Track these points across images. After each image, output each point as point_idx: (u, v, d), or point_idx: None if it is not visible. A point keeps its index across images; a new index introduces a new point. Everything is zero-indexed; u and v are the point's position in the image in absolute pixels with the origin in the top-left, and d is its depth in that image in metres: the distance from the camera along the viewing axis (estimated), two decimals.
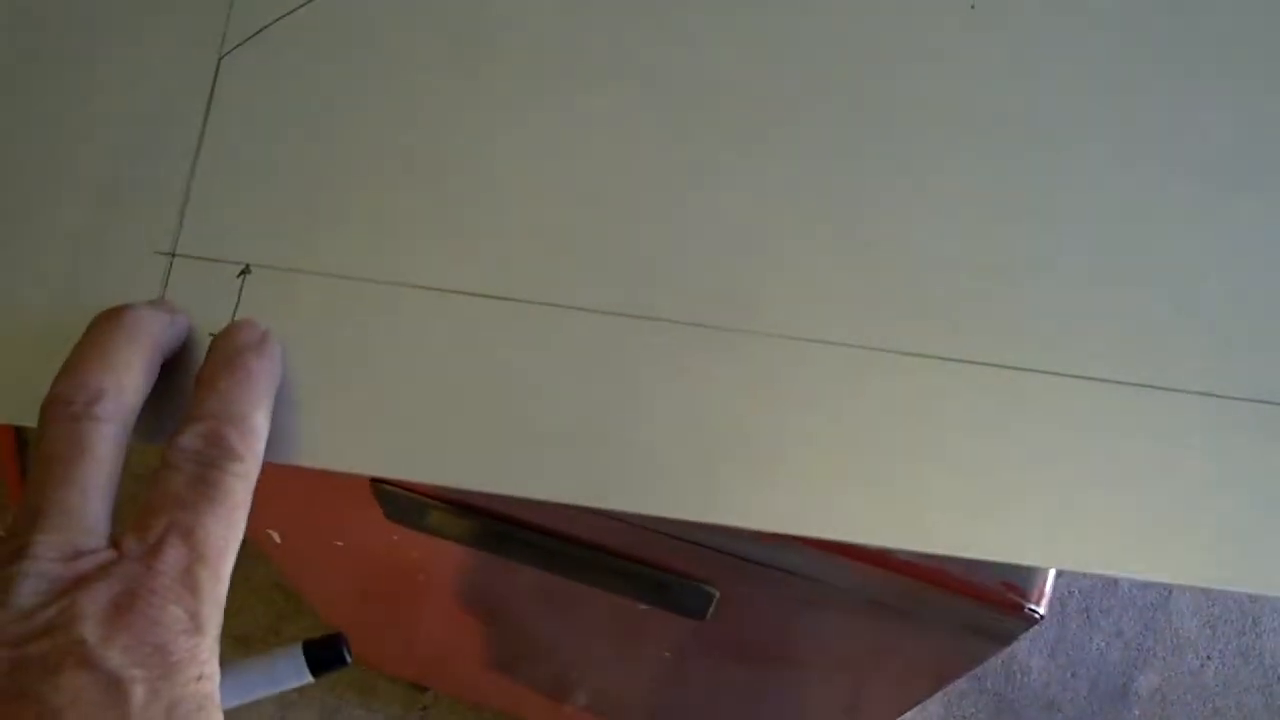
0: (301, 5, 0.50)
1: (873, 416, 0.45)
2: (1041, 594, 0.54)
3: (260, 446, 0.43)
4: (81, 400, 0.41)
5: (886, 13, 0.48)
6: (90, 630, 0.37)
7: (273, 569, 1.59)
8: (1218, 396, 0.45)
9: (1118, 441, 0.45)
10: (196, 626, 0.39)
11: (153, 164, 0.48)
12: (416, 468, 0.46)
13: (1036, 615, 0.53)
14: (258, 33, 0.49)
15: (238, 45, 0.49)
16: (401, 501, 0.66)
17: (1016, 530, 0.44)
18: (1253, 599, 1.81)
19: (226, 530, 0.41)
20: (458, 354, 0.46)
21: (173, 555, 0.39)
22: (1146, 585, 1.81)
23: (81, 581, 0.38)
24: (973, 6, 0.48)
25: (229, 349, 0.44)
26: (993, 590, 0.53)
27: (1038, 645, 1.76)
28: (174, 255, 0.47)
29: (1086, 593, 1.79)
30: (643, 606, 0.66)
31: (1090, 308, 0.46)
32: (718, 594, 0.63)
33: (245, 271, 0.47)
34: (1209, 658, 1.77)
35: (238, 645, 1.70)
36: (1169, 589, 1.81)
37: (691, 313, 0.46)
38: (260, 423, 0.43)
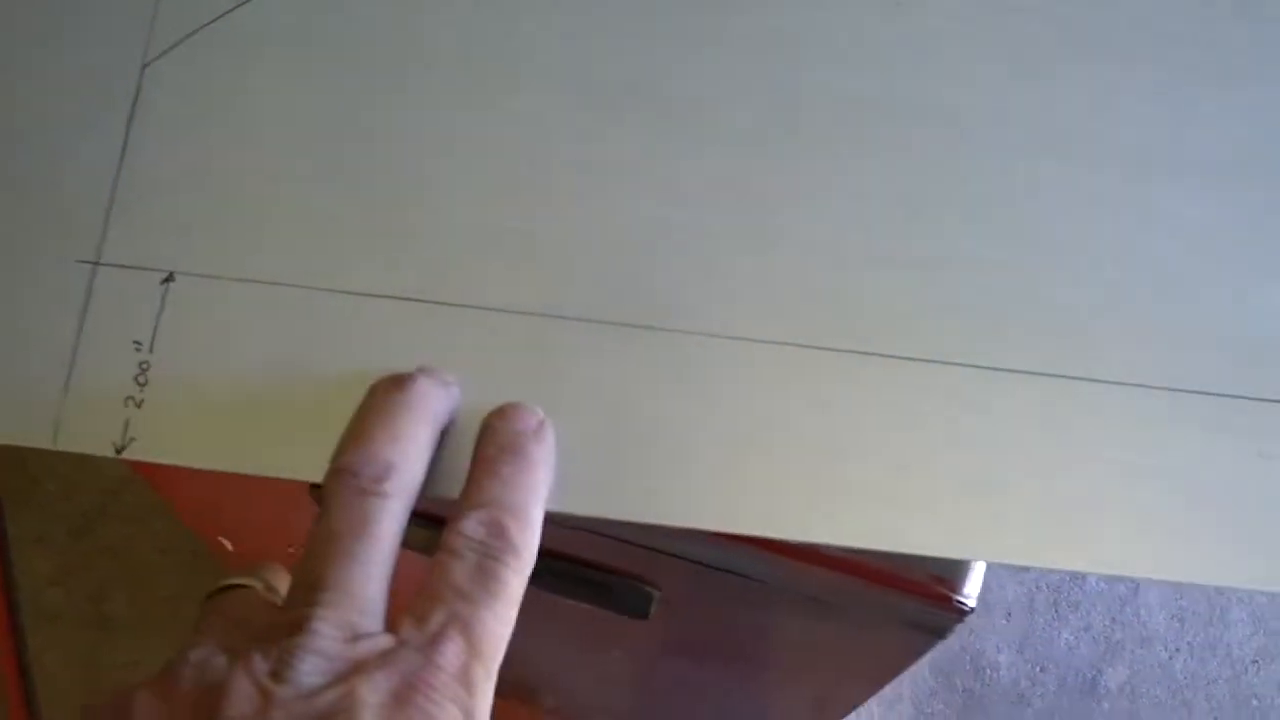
0: (225, 13, 0.50)
1: (792, 412, 0.45)
2: (971, 586, 0.54)
3: (536, 542, 0.42)
4: (369, 475, 0.41)
5: (805, 8, 0.49)
6: None
7: None
8: (1136, 385, 0.46)
9: (1035, 432, 0.45)
10: None
11: (76, 172, 0.48)
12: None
13: (966, 607, 0.54)
14: (181, 41, 0.50)
15: (162, 53, 0.49)
16: None
17: (936, 523, 0.44)
18: (1219, 591, 1.82)
19: (502, 628, 0.40)
20: (381, 358, 0.46)
21: (452, 650, 0.38)
22: (1114, 579, 1.82)
23: (361, 667, 0.37)
24: (898, 3, 0.49)
25: (508, 434, 0.44)
26: (922, 583, 0.54)
27: (1006, 641, 1.76)
28: (97, 264, 0.47)
29: (1054, 587, 1.79)
30: (584, 606, 0.66)
31: (1008, 299, 0.46)
32: (658, 593, 0.63)
33: (169, 279, 0.47)
34: (1177, 650, 1.78)
35: None
36: (1136, 582, 1.82)
37: (606, 311, 0.46)
38: (538, 517, 0.42)
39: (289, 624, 0.38)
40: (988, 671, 1.75)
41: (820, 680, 0.80)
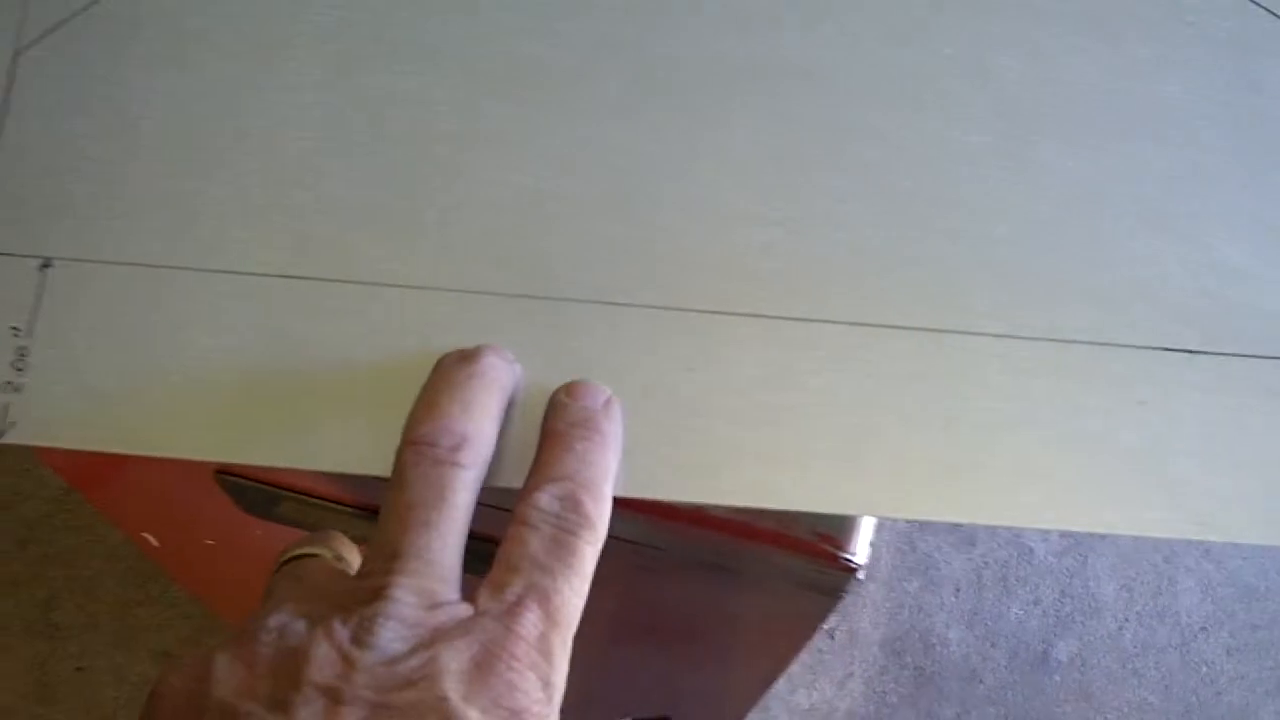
0: (97, 1, 0.50)
1: (666, 375, 0.46)
2: (857, 544, 0.54)
3: (608, 516, 0.42)
4: (446, 445, 0.41)
5: None
6: (453, 687, 0.37)
7: None
8: (1014, 337, 0.46)
9: (911, 386, 0.46)
10: (548, 696, 0.39)
11: None
12: (232, 450, 0.46)
13: (854, 565, 0.54)
14: (55, 28, 0.50)
15: (34, 41, 0.49)
16: (249, 492, 0.66)
17: (812, 479, 0.45)
18: (1166, 559, 1.83)
19: (576, 599, 0.40)
20: (262, 335, 0.46)
21: (530, 619, 0.39)
22: (1063, 552, 1.83)
23: (442, 634, 0.38)
24: None
25: (580, 409, 0.44)
26: (808, 542, 0.54)
27: (955, 617, 1.77)
28: None
29: (1002, 563, 1.80)
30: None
31: (880, 255, 0.47)
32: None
33: (47, 265, 0.47)
34: (1126, 620, 1.79)
35: (161, 660, 1.69)
36: (1084, 554, 1.83)
37: (480, 280, 0.47)
38: (609, 491, 0.43)
39: (369, 591, 0.39)
40: (938, 648, 1.75)
41: (731, 647, 0.80)
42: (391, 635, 0.37)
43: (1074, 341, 0.46)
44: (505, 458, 0.44)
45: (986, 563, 1.80)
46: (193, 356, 0.46)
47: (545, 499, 0.41)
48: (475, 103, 0.48)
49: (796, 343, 0.46)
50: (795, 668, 1.72)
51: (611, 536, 0.49)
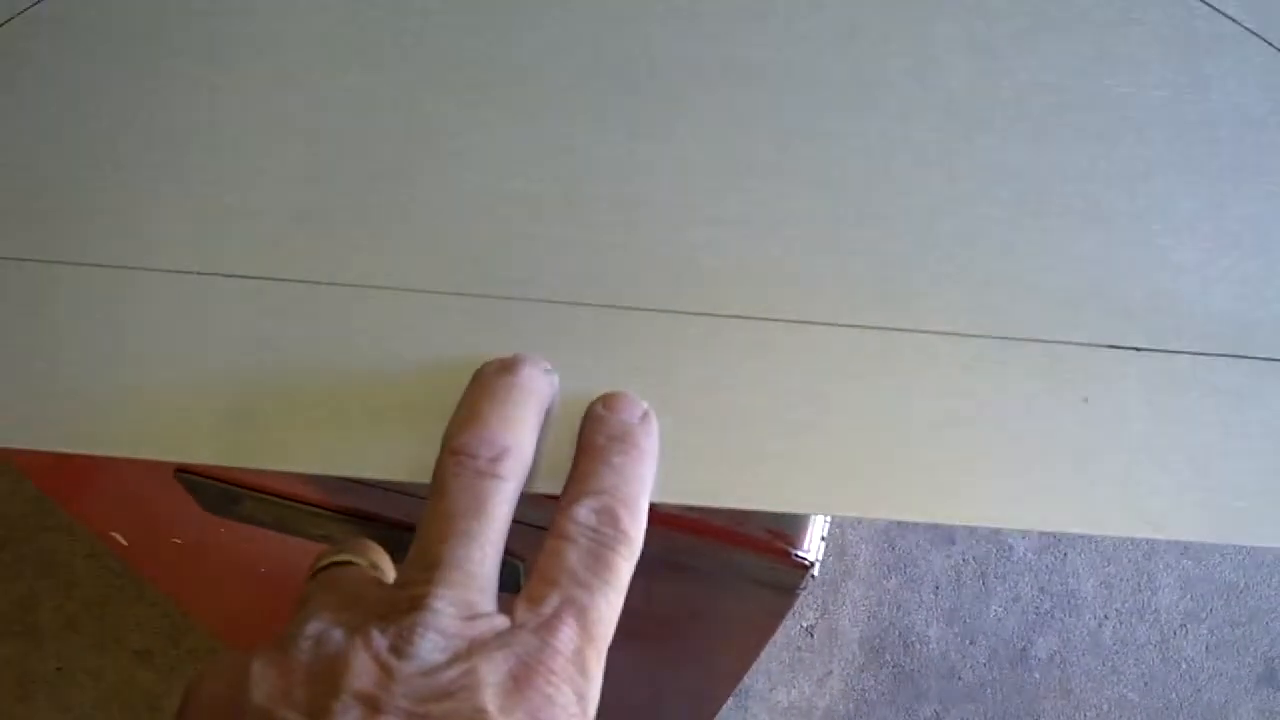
0: (34, 4, 0.50)
1: (622, 375, 0.46)
2: (809, 541, 0.54)
3: (644, 530, 0.42)
4: (486, 456, 0.41)
5: None
6: (491, 699, 0.36)
7: None
8: (960, 335, 0.46)
9: (858, 382, 0.46)
10: (583, 710, 0.38)
11: None
12: (181, 450, 0.46)
13: (806, 561, 0.54)
14: (2, 25, 0.49)
15: None
16: (209, 491, 0.66)
17: (760, 477, 0.45)
18: (1146, 556, 1.84)
19: (612, 613, 0.40)
20: (219, 335, 0.46)
21: (567, 633, 0.39)
22: (1042, 549, 1.83)
23: (480, 646, 0.38)
24: None
25: (617, 423, 0.44)
26: (760, 539, 0.54)
27: (935, 615, 1.77)
28: None
29: (982, 559, 1.81)
30: None
31: (828, 253, 0.47)
32: (522, 564, 0.64)
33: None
34: (1106, 618, 1.80)
35: (139, 660, 1.69)
36: (1064, 551, 1.83)
37: (435, 281, 0.47)
38: (646, 506, 0.43)
39: (407, 601, 0.39)
40: (917, 645, 1.76)
41: (695, 646, 0.80)
42: (430, 645, 0.37)
43: (1020, 339, 0.46)
44: (535, 464, 0.44)
45: (966, 560, 1.80)
46: (151, 357, 0.46)
47: (583, 513, 0.41)
48: (423, 104, 0.48)
49: (744, 342, 0.46)
50: (774, 666, 1.73)
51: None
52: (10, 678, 1.69)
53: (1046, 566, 1.82)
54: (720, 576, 0.59)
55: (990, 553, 1.81)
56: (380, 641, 0.38)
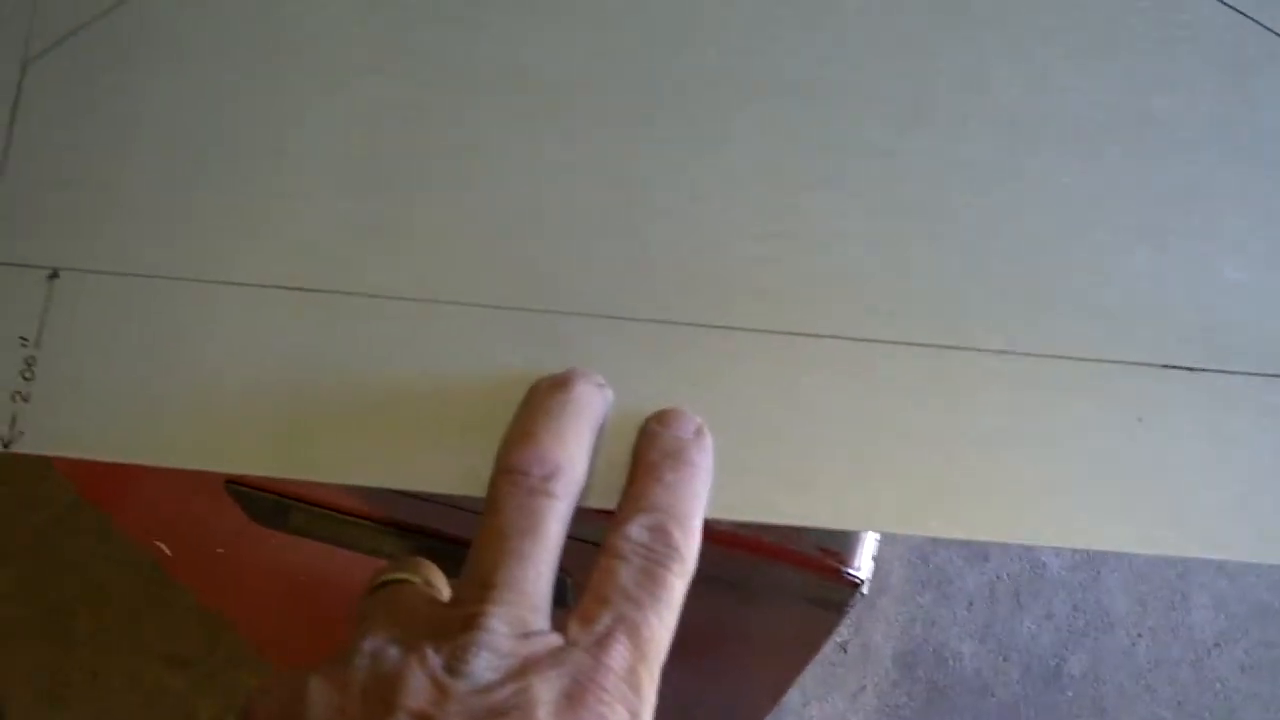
0: (105, 13, 0.50)
1: (670, 390, 0.46)
2: (860, 559, 0.55)
3: (698, 547, 0.43)
4: (538, 474, 0.42)
5: None
6: (544, 718, 0.37)
7: None
8: (1013, 353, 0.46)
9: (911, 401, 0.46)
10: None
11: None
12: (238, 461, 0.47)
13: (857, 579, 0.54)
14: (62, 40, 0.50)
15: (42, 52, 0.50)
16: (259, 502, 0.66)
17: (815, 494, 0.45)
18: (1180, 575, 1.83)
19: (665, 632, 0.41)
20: (265, 346, 0.47)
21: (620, 651, 0.39)
22: (1075, 566, 1.83)
23: (533, 664, 0.38)
24: None
25: (670, 439, 0.44)
26: (811, 557, 0.54)
27: (968, 631, 1.77)
28: None
29: (1015, 577, 1.80)
30: None
31: (884, 270, 0.47)
32: (570, 579, 0.64)
33: (54, 275, 0.48)
34: (1139, 635, 1.79)
35: (173, 667, 1.70)
36: (1097, 569, 1.83)
37: (487, 294, 0.47)
38: (699, 523, 0.43)
39: (462, 619, 0.39)
40: (950, 662, 1.75)
41: (740, 662, 0.80)
42: (484, 664, 0.38)
43: (1073, 358, 0.46)
44: (589, 479, 0.44)
45: (999, 577, 1.80)
46: (197, 366, 0.47)
47: (635, 530, 0.42)
48: (476, 115, 0.49)
49: (798, 358, 0.46)
50: (808, 681, 1.72)
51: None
52: (45, 684, 1.69)
53: (1080, 584, 1.81)
54: (768, 593, 0.59)
55: (1024, 570, 1.81)
56: (435, 660, 0.38)
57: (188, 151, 0.49)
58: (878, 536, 0.56)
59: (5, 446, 0.47)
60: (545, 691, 0.37)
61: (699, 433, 0.44)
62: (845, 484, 0.45)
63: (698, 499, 0.43)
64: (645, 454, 0.44)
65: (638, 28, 0.49)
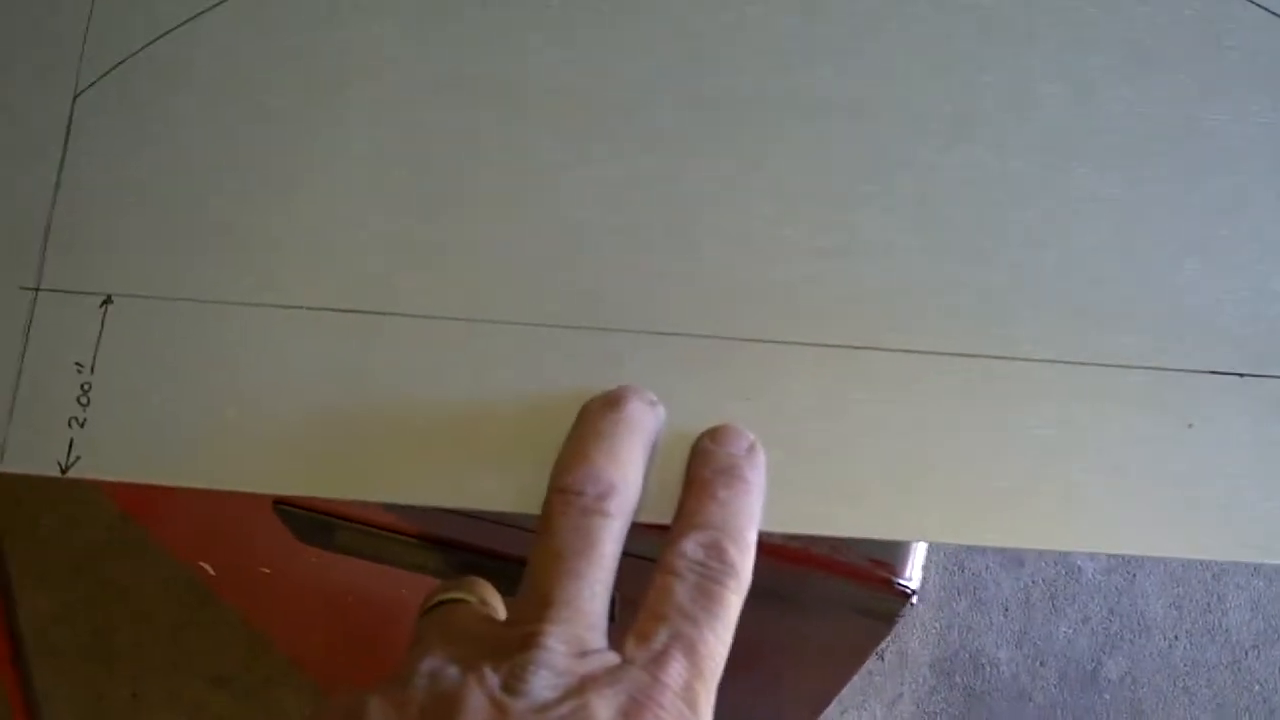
0: (151, 42, 0.51)
1: (719, 403, 0.46)
2: (910, 569, 0.55)
3: (752, 563, 0.43)
4: (593, 494, 0.42)
5: (715, 9, 0.50)
6: None
7: None
8: (1061, 362, 0.46)
9: (960, 412, 0.46)
10: None
11: (13, 201, 0.49)
12: (290, 483, 0.47)
13: (908, 590, 0.54)
14: (111, 70, 0.51)
15: (92, 83, 0.50)
16: (306, 522, 0.67)
17: (864, 506, 0.45)
18: (1215, 577, 1.82)
19: (721, 648, 0.41)
20: (321, 369, 0.47)
21: (676, 669, 0.39)
22: (1111, 570, 1.82)
23: (590, 682, 0.38)
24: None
25: (723, 456, 0.44)
26: (862, 568, 0.54)
27: (1005, 637, 1.76)
28: (37, 289, 0.49)
29: (1050, 581, 1.80)
30: None
31: (929, 284, 0.47)
32: (617, 593, 0.64)
33: (107, 301, 0.48)
34: (1176, 638, 1.78)
35: (214, 686, 1.70)
36: (1133, 572, 1.82)
37: (533, 313, 0.47)
38: (754, 539, 0.43)
39: (519, 639, 0.39)
40: (988, 668, 1.75)
41: (786, 674, 0.80)
42: (543, 683, 0.38)
43: (1122, 366, 0.46)
44: (642, 496, 0.44)
45: (1035, 582, 1.79)
46: (250, 390, 0.47)
47: (690, 547, 0.42)
48: (523, 137, 0.49)
49: (848, 371, 0.46)
50: (845, 690, 1.72)
51: (653, 560, 0.50)
52: (87, 704, 1.70)
53: (1115, 588, 1.80)
54: (816, 604, 0.59)
55: (1059, 574, 1.80)
56: (493, 679, 0.38)
57: (237, 177, 0.49)
58: (926, 546, 0.56)
59: (62, 472, 0.47)
60: (603, 709, 0.37)
61: (752, 449, 0.45)
62: (897, 495, 0.45)
63: (752, 515, 0.43)
64: (699, 471, 0.44)
65: (684, 48, 0.50)
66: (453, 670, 0.39)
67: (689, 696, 0.39)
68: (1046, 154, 0.48)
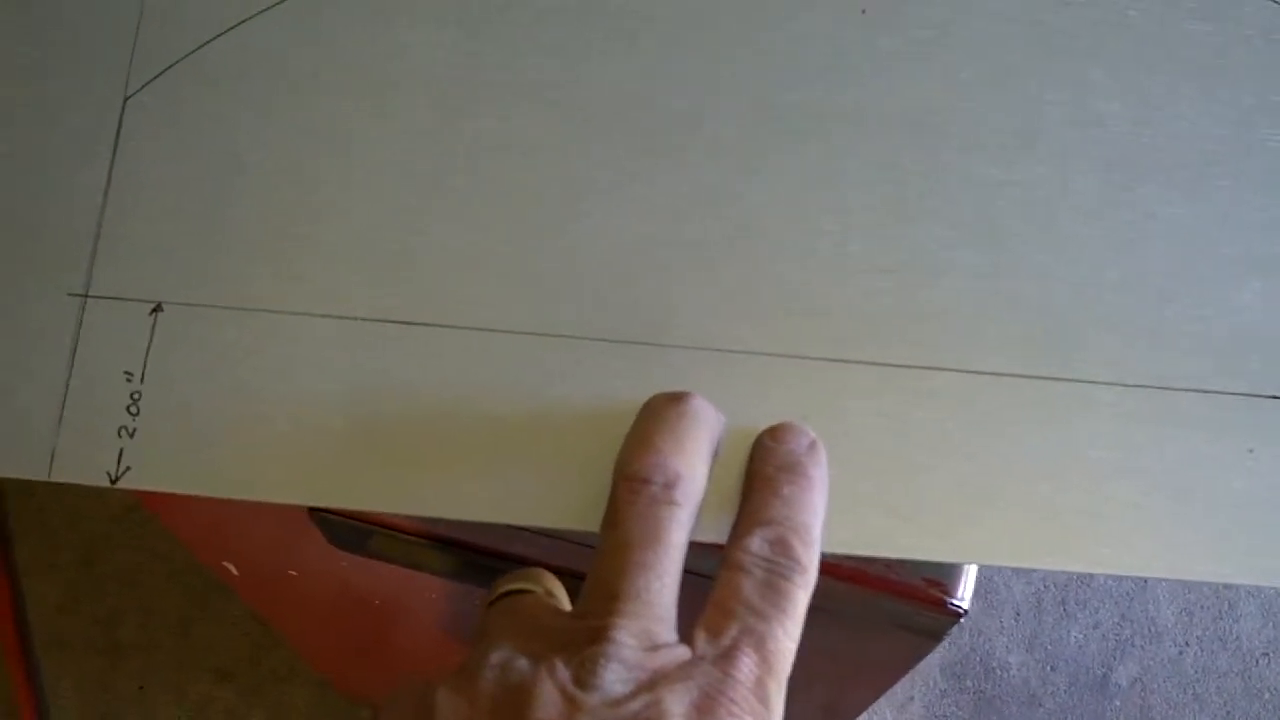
0: (202, 45, 0.50)
1: (779, 420, 0.46)
2: (964, 589, 0.54)
3: (818, 559, 0.43)
4: (660, 482, 0.42)
5: (779, 22, 0.49)
6: None
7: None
8: (1122, 385, 0.46)
9: (1023, 433, 0.46)
10: None
11: (63, 206, 0.49)
12: (339, 496, 0.47)
13: (960, 610, 0.54)
14: (161, 73, 0.50)
15: (142, 86, 0.50)
16: (341, 528, 0.66)
17: (930, 527, 0.45)
18: (1226, 585, 1.82)
19: (790, 643, 0.41)
20: (373, 380, 0.47)
21: (747, 664, 0.39)
22: (1121, 576, 1.81)
23: (663, 677, 0.38)
24: (863, 11, 0.49)
25: (785, 453, 0.44)
26: (915, 587, 0.54)
27: (1015, 641, 1.76)
28: (86, 296, 0.48)
29: (1062, 586, 1.79)
30: None
31: (992, 302, 0.47)
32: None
33: (157, 309, 0.48)
34: (1187, 645, 1.78)
35: (220, 680, 1.70)
36: (1144, 579, 1.82)
37: (594, 327, 0.47)
38: (819, 535, 0.43)
39: (589, 631, 0.39)
40: (998, 672, 1.74)
41: (824, 687, 0.80)
42: (614, 676, 0.38)
43: (1183, 389, 0.46)
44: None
45: (1046, 586, 1.79)
46: (300, 400, 0.47)
47: (756, 543, 0.41)
48: (586, 147, 0.49)
49: (911, 390, 0.46)
50: None
51: (703, 575, 0.49)
52: (94, 696, 1.70)
53: (1127, 593, 1.80)
54: (865, 620, 0.59)
55: (1070, 579, 1.80)
56: (564, 672, 0.38)
57: (289, 184, 0.49)
58: (977, 566, 0.56)
59: (112, 482, 0.47)
60: (675, 704, 0.37)
61: (813, 446, 0.44)
62: (957, 517, 0.45)
63: (816, 511, 0.43)
64: (761, 468, 0.44)
65: (747, 62, 0.49)
66: (523, 662, 0.39)
67: (760, 691, 0.39)
68: (1108, 172, 0.48)
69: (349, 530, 0.66)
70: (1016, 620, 1.77)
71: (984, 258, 0.47)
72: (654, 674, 0.38)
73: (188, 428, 0.47)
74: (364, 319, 0.47)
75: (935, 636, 0.57)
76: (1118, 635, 1.78)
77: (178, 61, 0.50)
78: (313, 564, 0.82)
